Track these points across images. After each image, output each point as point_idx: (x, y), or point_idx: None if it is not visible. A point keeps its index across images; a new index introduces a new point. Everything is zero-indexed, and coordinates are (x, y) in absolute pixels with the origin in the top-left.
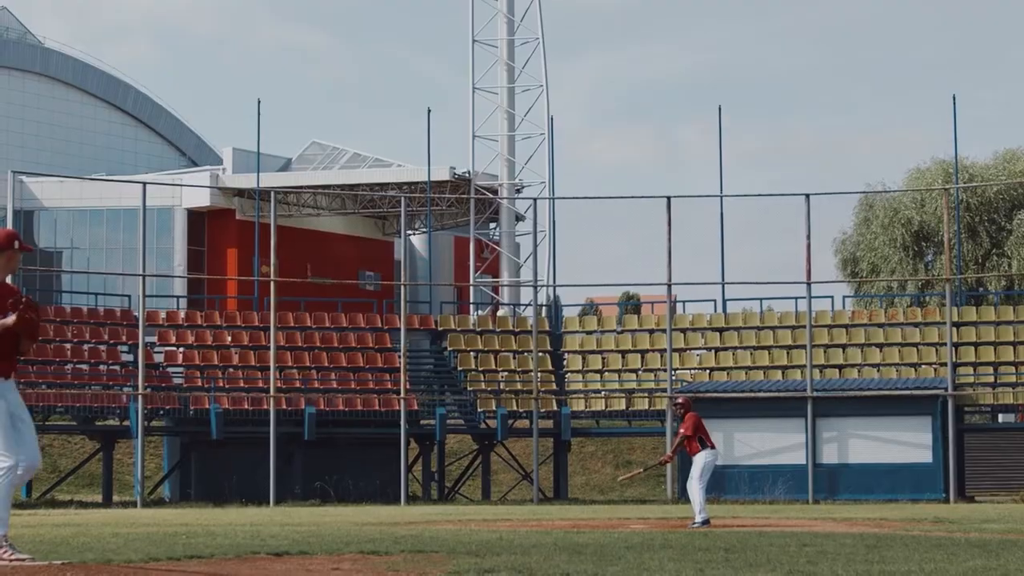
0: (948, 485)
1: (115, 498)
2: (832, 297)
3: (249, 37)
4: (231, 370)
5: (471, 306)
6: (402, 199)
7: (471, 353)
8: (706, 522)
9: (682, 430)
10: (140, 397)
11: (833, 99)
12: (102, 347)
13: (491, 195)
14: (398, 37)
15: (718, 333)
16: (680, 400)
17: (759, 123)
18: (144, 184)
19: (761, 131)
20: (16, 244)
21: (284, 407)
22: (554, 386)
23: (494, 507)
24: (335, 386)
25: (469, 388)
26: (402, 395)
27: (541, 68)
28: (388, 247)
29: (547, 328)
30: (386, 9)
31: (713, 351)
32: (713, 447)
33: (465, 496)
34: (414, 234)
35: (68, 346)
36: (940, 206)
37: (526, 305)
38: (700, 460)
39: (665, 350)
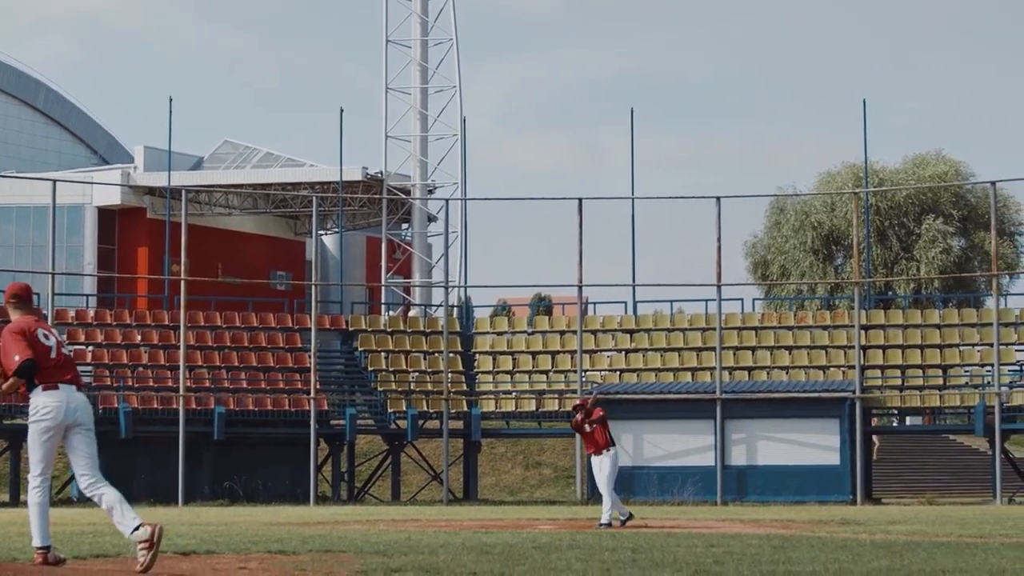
0: (855, 487)
1: (22, 497)
2: (742, 300)
3: (163, 35)
4: (140, 369)
5: (382, 306)
6: (314, 199)
7: (382, 353)
8: (609, 524)
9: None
10: None
11: (747, 105)
12: None
13: (403, 196)
14: (312, 37)
15: (628, 335)
16: (578, 402)
17: (675, 128)
18: (54, 182)
19: (677, 136)
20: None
21: (193, 407)
22: (464, 387)
23: (403, 507)
24: (245, 386)
25: (379, 388)
26: (312, 395)
27: (454, 69)
28: (300, 247)
29: (458, 329)
30: (300, 9)
31: (623, 353)
32: (609, 448)
33: (375, 496)
34: (326, 234)
35: None
36: (850, 210)
37: (437, 306)
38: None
39: (576, 351)
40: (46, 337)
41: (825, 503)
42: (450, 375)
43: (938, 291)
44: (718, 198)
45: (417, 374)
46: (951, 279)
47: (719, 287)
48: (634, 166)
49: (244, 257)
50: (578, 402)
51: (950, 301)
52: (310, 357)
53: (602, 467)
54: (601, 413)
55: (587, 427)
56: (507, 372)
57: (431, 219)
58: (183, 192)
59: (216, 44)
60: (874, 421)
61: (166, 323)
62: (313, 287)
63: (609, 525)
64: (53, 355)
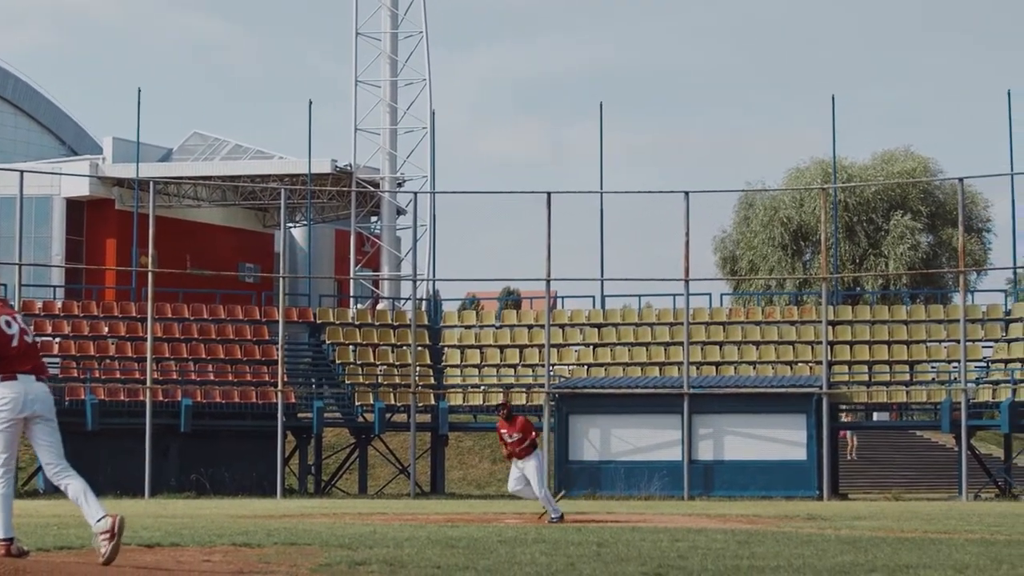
0: (822, 482)
1: None
2: (710, 295)
3: (132, 26)
4: (108, 361)
5: (351, 300)
6: (282, 191)
7: (349, 346)
8: (561, 517)
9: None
10: None
11: (717, 99)
12: None
13: (372, 188)
14: (281, 29)
15: (596, 329)
16: (501, 402)
17: (646, 122)
18: (21, 172)
19: (648, 130)
20: None
21: (161, 399)
22: (432, 380)
23: (370, 501)
24: (212, 378)
25: (347, 381)
26: (279, 388)
27: (424, 62)
28: (268, 239)
29: (426, 322)
30: (270, 1)
31: (591, 347)
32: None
33: (342, 490)
34: (294, 226)
35: None
36: (819, 206)
37: (406, 299)
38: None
39: (543, 345)
40: (8, 325)
41: (792, 498)
42: (418, 369)
43: (906, 287)
44: (687, 193)
45: (385, 367)
46: (919, 275)
47: (687, 282)
48: (603, 160)
49: (212, 249)
50: (501, 402)
51: (918, 297)
52: (278, 350)
53: (525, 469)
54: (530, 434)
55: (509, 438)
56: (475, 366)
57: (400, 212)
58: (151, 184)
59: (185, 35)
60: (849, 417)
61: (133, 315)
62: (281, 280)
63: (561, 518)
64: (15, 343)
